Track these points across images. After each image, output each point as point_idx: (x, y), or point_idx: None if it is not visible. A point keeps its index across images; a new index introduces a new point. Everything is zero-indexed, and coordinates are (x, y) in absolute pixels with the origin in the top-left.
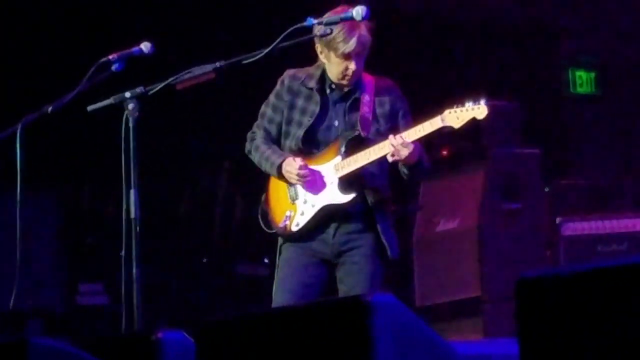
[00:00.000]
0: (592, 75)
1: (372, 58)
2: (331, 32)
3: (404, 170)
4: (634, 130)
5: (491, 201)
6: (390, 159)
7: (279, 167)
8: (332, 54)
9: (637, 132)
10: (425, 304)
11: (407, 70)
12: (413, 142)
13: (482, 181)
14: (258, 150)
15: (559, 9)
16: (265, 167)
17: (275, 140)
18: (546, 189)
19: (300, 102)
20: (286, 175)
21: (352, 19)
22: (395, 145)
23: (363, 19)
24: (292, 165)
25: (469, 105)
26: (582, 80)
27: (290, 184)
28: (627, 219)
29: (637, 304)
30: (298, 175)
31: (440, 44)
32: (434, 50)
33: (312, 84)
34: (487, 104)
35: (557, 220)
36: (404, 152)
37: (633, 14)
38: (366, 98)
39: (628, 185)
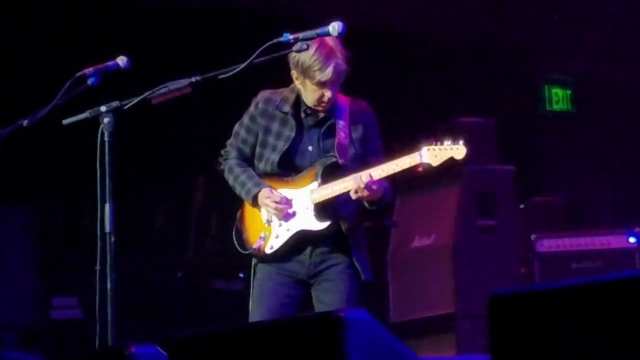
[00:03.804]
0: (568, 92)
1: (348, 75)
2: (307, 48)
3: (365, 204)
4: (609, 148)
5: (466, 218)
6: (353, 196)
7: (255, 197)
8: (307, 82)
9: (612, 149)
10: (400, 320)
11: (382, 87)
12: (379, 180)
13: (457, 197)
14: (232, 172)
15: (535, 26)
16: (240, 192)
17: (248, 160)
18: (521, 206)
19: (275, 127)
20: (262, 205)
21: (328, 34)
22: (361, 187)
23: (339, 34)
24: (270, 198)
25: (447, 144)
26: (558, 98)
27: None
28: (601, 236)
29: (610, 321)
30: (276, 209)
31: (416, 62)
32: (410, 67)
33: (287, 108)
34: (465, 144)
35: (532, 237)
36: (365, 194)
37: (609, 32)
38: (341, 123)
39: (603, 203)
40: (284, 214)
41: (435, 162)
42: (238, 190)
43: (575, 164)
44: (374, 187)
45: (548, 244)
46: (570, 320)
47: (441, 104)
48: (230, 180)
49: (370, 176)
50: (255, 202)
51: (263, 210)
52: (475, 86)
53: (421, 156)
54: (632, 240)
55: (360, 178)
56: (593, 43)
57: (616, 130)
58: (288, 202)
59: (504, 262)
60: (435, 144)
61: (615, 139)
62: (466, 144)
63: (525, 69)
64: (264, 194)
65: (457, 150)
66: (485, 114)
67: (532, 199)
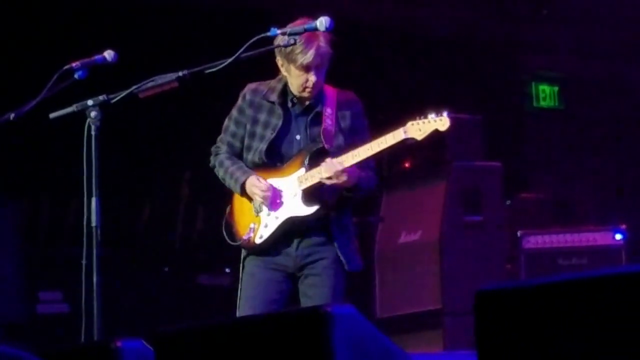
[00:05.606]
0: (555, 89)
1: (334, 70)
2: (295, 43)
3: (343, 192)
4: (596, 145)
5: (452, 214)
6: (327, 182)
7: (243, 184)
8: (291, 66)
9: (599, 146)
10: (386, 315)
11: (370, 82)
12: (349, 167)
13: (444, 194)
14: (222, 166)
15: (523, 23)
16: (229, 183)
17: (239, 154)
18: (507, 202)
19: (262, 116)
20: (250, 194)
21: (316, 29)
22: (334, 172)
23: (327, 29)
24: (257, 186)
25: (431, 117)
26: (545, 94)
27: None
28: (587, 233)
29: (596, 318)
30: (263, 197)
31: (403, 58)
32: (398, 63)
33: (274, 97)
34: (449, 115)
35: (518, 233)
36: (342, 178)
37: (596, 29)
38: (328, 111)
39: (589, 199)
40: (271, 201)
41: (419, 136)
42: (228, 182)
43: (562, 160)
44: (344, 176)
45: (534, 241)
46: (556, 317)
47: (428, 100)
48: (221, 174)
49: (342, 164)
50: (243, 191)
51: (253, 200)
52: (462, 83)
53: (405, 132)
54: (618, 237)
55: (333, 163)
56: (580, 40)
57: (603, 127)
58: (274, 190)
59: (490, 258)
60: (419, 119)
61: (603, 135)
62: (450, 115)
63: (513, 66)
64: (250, 182)
65: (440, 122)
66: (473, 110)
67: (519, 195)
